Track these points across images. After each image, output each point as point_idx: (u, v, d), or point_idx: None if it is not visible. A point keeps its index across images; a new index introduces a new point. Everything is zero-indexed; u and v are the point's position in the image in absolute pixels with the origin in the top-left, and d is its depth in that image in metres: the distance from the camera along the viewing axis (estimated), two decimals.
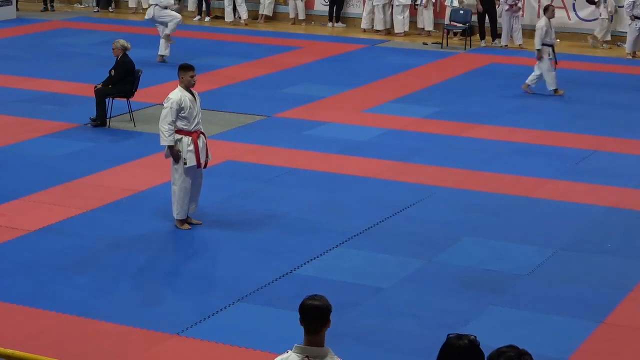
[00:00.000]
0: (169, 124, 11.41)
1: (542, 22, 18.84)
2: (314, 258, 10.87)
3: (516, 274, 10.54)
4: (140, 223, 11.88)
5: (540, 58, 18.62)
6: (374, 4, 25.37)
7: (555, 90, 18.77)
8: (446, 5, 24.65)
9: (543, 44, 18.58)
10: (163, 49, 21.18)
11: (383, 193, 13.06)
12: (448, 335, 5.14)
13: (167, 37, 21.06)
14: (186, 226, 11.67)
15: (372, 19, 25.74)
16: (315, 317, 5.58)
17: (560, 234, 11.70)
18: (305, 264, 10.71)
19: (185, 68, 11.59)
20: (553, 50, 18.70)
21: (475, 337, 5.12)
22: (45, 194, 12.82)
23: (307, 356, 5.58)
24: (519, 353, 5.00)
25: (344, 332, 9.15)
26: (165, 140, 11.46)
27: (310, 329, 5.59)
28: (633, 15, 22.53)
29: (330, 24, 26.47)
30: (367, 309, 9.69)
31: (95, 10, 28.29)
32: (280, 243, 11.31)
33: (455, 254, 11.06)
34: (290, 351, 5.64)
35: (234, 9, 26.53)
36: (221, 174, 13.48)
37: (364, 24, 25.88)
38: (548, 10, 18.98)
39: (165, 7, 21.05)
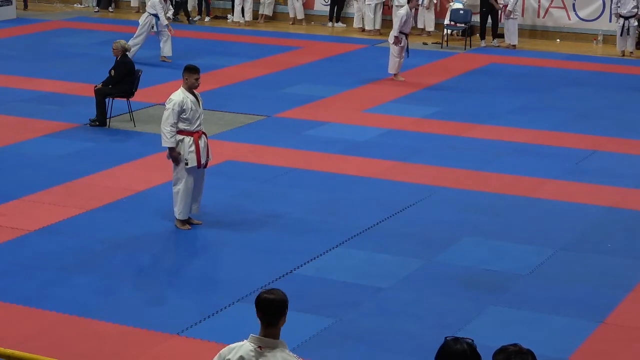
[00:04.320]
0: (170, 125, 11.39)
1: (403, 10, 19.65)
2: (314, 258, 10.87)
3: (516, 274, 10.54)
4: (140, 223, 11.88)
5: (396, 43, 19.33)
6: (366, 3, 25.34)
7: (395, 75, 19.67)
8: (448, 6, 24.66)
9: (400, 32, 19.34)
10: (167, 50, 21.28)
11: (383, 193, 13.06)
12: (445, 338, 5.12)
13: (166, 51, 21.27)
14: (187, 226, 11.67)
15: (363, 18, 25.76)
16: (271, 309, 5.73)
17: (560, 234, 11.70)
18: (305, 264, 10.71)
19: (191, 70, 11.53)
20: (406, 39, 19.53)
21: (472, 340, 5.10)
22: (45, 194, 12.82)
23: (259, 346, 5.76)
24: (517, 351, 4.98)
25: (344, 332, 9.17)
26: (167, 142, 11.44)
27: (266, 322, 5.76)
28: (618, 13, 22.58)
29: (330, 24, 26.47)
30: (367, 309, 9.68)
31: (96, 10, 28.29)
32: (280, 243, 11.31)
33: (455, 254, 11.05)
34: (245, 340, 5.82)
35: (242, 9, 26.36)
36: (221, 174, 13.48)
37: (355, 23, 25.89)
38: (412, 1, 19.90)
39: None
